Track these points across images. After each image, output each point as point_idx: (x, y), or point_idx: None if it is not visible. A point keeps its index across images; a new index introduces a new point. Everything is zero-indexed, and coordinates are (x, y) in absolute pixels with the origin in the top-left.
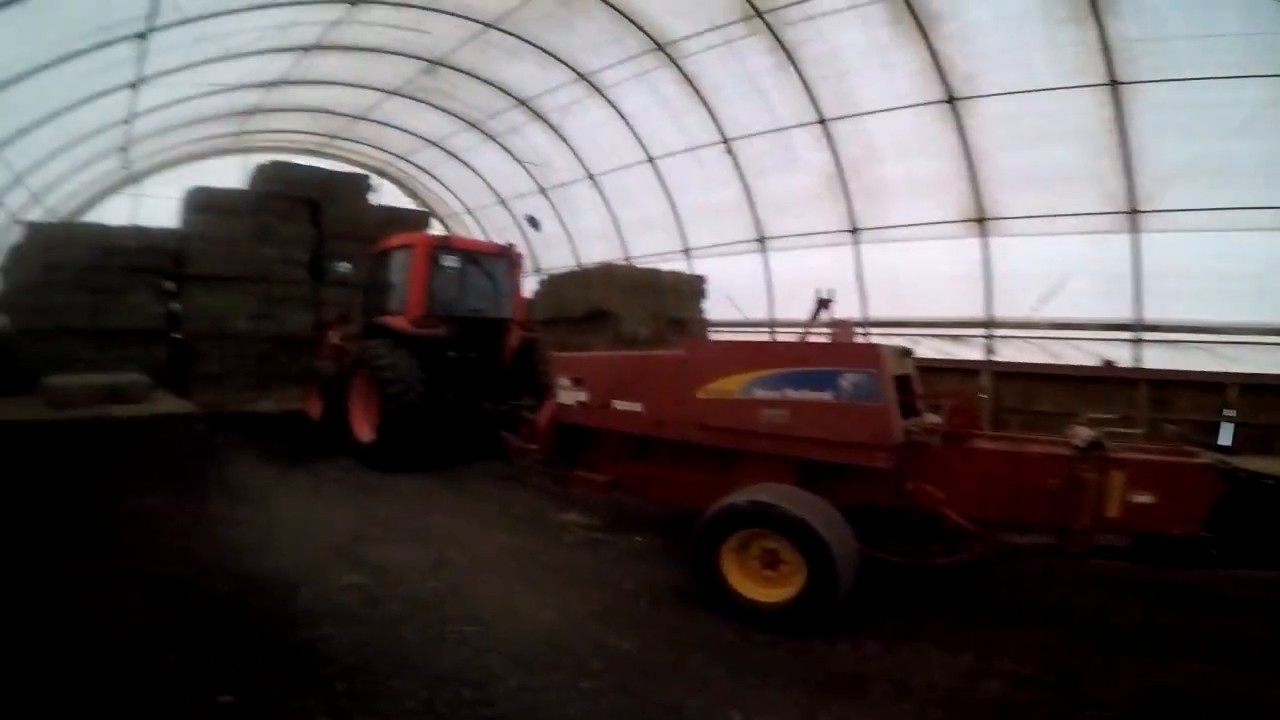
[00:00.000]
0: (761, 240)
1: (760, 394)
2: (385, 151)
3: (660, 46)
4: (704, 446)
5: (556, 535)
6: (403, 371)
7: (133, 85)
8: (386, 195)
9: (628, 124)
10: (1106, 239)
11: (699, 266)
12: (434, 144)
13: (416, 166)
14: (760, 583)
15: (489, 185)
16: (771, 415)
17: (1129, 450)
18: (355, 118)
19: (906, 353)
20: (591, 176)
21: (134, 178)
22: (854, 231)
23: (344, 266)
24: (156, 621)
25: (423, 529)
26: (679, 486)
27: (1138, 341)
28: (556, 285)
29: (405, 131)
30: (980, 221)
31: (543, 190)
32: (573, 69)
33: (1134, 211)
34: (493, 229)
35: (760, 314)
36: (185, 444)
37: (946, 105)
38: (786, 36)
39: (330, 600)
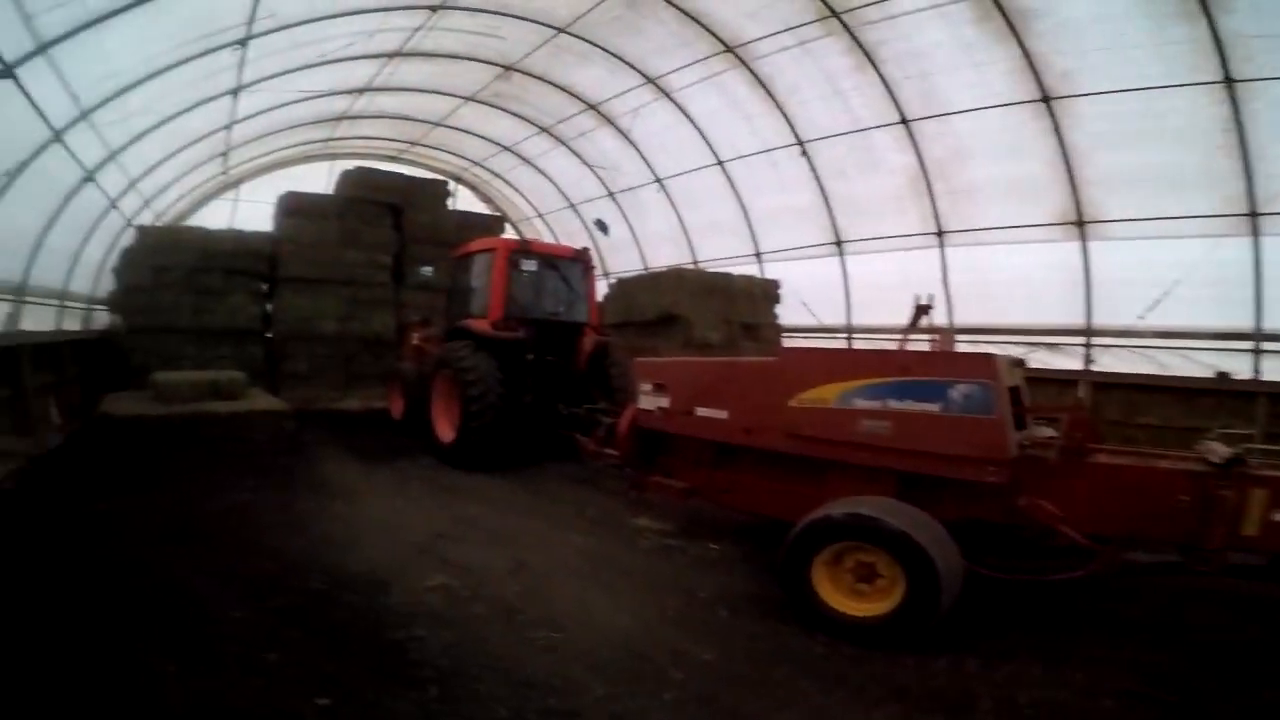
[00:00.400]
0: (838, 243)
1: (859, 404)
2: (461, 157)
3: (730, 49)
4: (793, 456)
5: (631, 540)
6: (484, 373)
7: (233, 92)
8: (462, 200)
9: (696, 127)
10: (1221, 243)
11: (771, 270)
12: (507, 149)
13: (490, 172)
14: (850, 596)
15: (559, 189)
16: (871, 426)
17: (1269, 467)
18: (434, 124)
19: (1019, 363)
20: (659, 180)
21: (232, 183)
22: (939, 234)
23: (427, 270)
24: (255, 618)
25: (501, 530)
26: (763, 495)
27: (1257, 352)
28: (626, 289)
29: (480, 137)
30: (1079, 225)
31: (611, 194)
32: (641, 72)
33: (1254, 214)
34: (563, 233)
35: (836, 319)
36: (277, 439)
37: (1041, 104)
38: (865, 37)
39: (418, 600)
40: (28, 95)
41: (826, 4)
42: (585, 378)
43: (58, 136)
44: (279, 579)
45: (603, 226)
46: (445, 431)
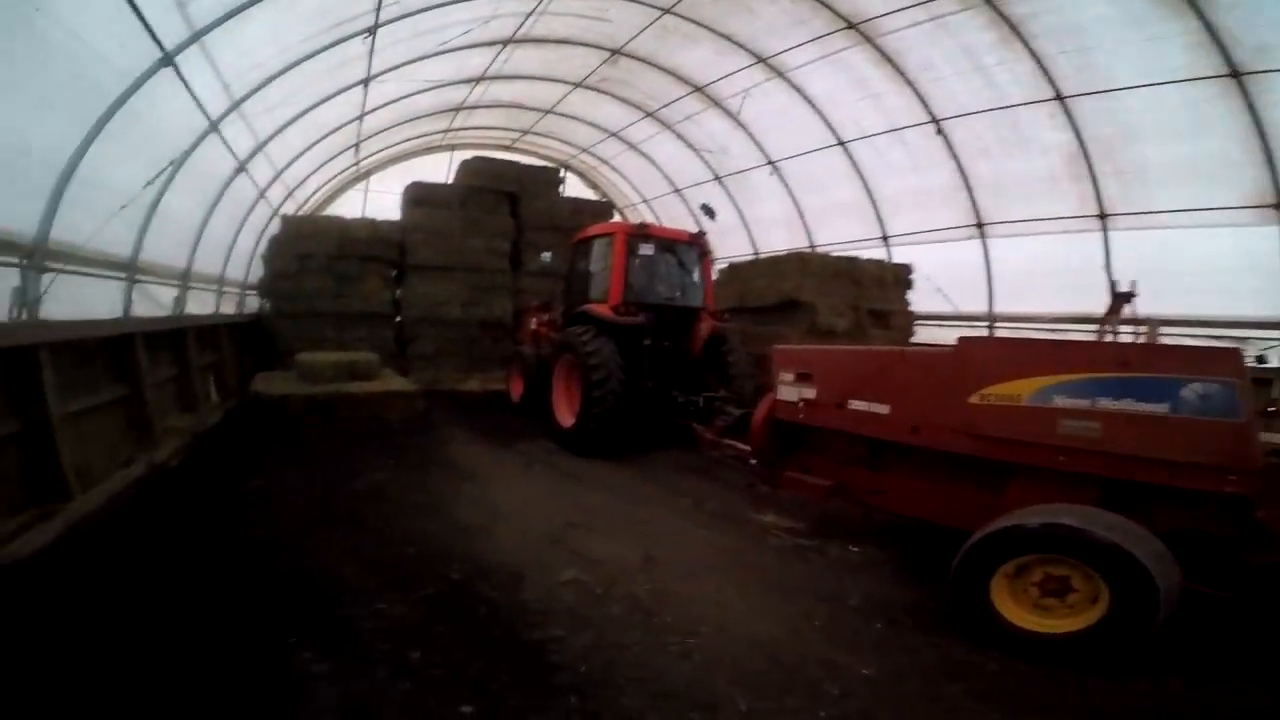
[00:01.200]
0: (979, 225)
1: (1062, 402)
2: (569, 144)
3: (853, 25)
4: (968, 457)
5: (759, 537)
6: (606, 358)
7: (364, 82)
8: (570, 187)
9: (814, 107)
10: None
11: (899, 255)
12: (613, 134)
13: (597, 158)
14: (1033, 610)
15: (664, 174)
16: (1075, 427)
17: None
18: (544, 111)
19: None
20: (772, 163)
21: (362, 174)
22: (1102, 217)
23: (547, 256)
24: (400, 611)
25: (627, 521)
26: (925, 499)
27: None
28: (739, 274)
29: (587, 123)
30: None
31: (718, 178)
32: (752, 52)
33: None
34: (667, 219)
35: (975, 306)
36: (408, 419)
37: (1229, 80)
38: (1010, 10)
39: (553, 595)
40: (187, 85)
41: None
42: (701, 364)
43: (214, 127)
44: (420, 568)
45: (709, 211)
46: (565, 416)
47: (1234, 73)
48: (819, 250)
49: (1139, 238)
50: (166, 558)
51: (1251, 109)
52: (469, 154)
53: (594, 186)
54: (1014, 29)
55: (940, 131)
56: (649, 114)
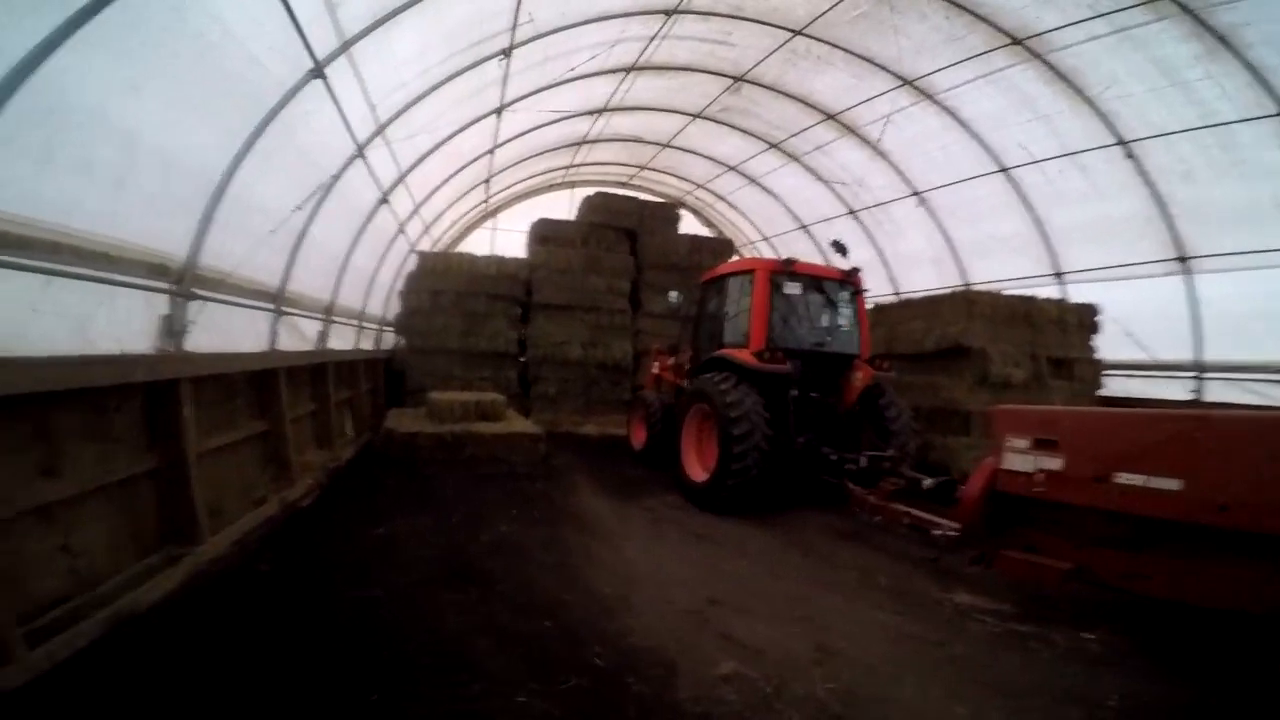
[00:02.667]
0: (1182, 260)
1: None
2: (684, 180)
3: (1018, 41)
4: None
5: (956, 623)
6: (748, 410)
7: (497, 111)
8: (684, 225)
9: (969, 131)
10: None
11: (1075, 294)
12: (732, 168)
13: (713, 194)
14: None
15: (788, 209)
16: None
17: None
18: (661, 145)
19: None
20: (918, 193)
21: (490, 212)
22: None
23: (674, 296)
24: (541, 707)
25: (783, 598)
26: (1226, 586)
27: None
28: (886, 315)
29: (705, 157)
30: None
31: (852, 211)
32: (895, 74)
33: None
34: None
35: (1177, 354)
36: (531, 462)
37: None
38: (1217, 20)
39: (713, 693)
40: (336, 101)
41: None
42: (854, 418)
43: (360, 151)
44: (560, 648)
45: (841, 248)
46: (696, 470)
47: None
48: (976, 288)
49: None
50: (283, 616)
51: None
52: (588, 191)
53: (709, 224)
54: (1221, 39)
55: (1130, 155)
56: (773, 145)
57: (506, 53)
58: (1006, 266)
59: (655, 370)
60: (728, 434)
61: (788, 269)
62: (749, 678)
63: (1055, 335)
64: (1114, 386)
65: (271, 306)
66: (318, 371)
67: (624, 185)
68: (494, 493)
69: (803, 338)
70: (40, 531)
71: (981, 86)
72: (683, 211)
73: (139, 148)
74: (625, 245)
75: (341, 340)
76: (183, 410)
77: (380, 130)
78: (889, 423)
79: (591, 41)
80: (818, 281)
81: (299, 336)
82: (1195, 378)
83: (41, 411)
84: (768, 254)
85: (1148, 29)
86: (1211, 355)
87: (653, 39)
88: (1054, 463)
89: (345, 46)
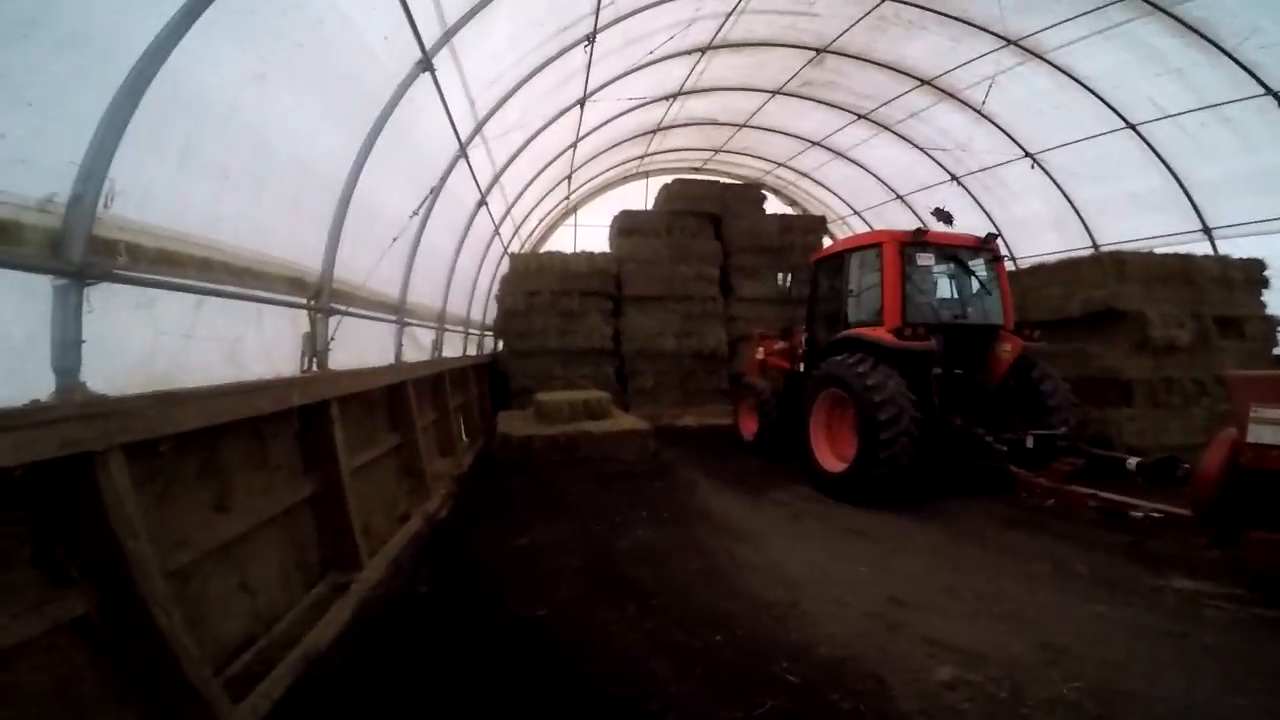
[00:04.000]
0: None
1: None
2: (764, 160)
3: None
4: None
5: (1189, 611)
6: (893, 393)
7: (580, 103)
8: (767, 205)
9: (1087, 89)
10: None
11: (1229, 249)
12: (816, 144)
13: (796, 172)
14: None
15: (881, 181)
16: None
17: None
18: (738, 126)
19: None
20: (1030, 155)
21: (572, 208)
22: None
23: (784, 278)
24: None
25: (975, 595)
26: None
27: None
28: (1016, 282)
29: (785, 134)
30: None
31: (954, 178)
32: (997, 35)
33: None
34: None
35: None
36: (643, 459)
37: None
38: None
39: (941, 705)
40: (442, 96)
41: None
42: (1003, 393)
43: (463, 150)
44: (742, 663)
45: (945, 216)
46: (830, 460)
47: None
48: (1118, 248)
49: None
50: (458, 644)
51: None
52: (663, 180)
53: (792, 203)
54: None
55: None
56: (861, 116)
57: (591, 38)
58: (1142, 225)
59: (760, 356)
60: (871, 420)
61: (919, 239)
62: (975, 683)
63: (1219, 293)
64: None
65: (394, 318)
66: (436, 380)
67: (698, 170)
68: (616, 494)
69: (940, 311)
70: (222, 571)
71: (1099, 42)
72: (764, 192)
73: (269, 148)
74: (710, 231)
75: (450, 347)
76: (334, 432)
77: (480, 126)
78: (1045, 397)
79: (669, 21)
80: (952, 250)
81: (417, 346)
82: None
83: (209, 445)
84: (860, 228)
85: None
86: None
87: (730, 15)
88: None
89: (448, 36)
